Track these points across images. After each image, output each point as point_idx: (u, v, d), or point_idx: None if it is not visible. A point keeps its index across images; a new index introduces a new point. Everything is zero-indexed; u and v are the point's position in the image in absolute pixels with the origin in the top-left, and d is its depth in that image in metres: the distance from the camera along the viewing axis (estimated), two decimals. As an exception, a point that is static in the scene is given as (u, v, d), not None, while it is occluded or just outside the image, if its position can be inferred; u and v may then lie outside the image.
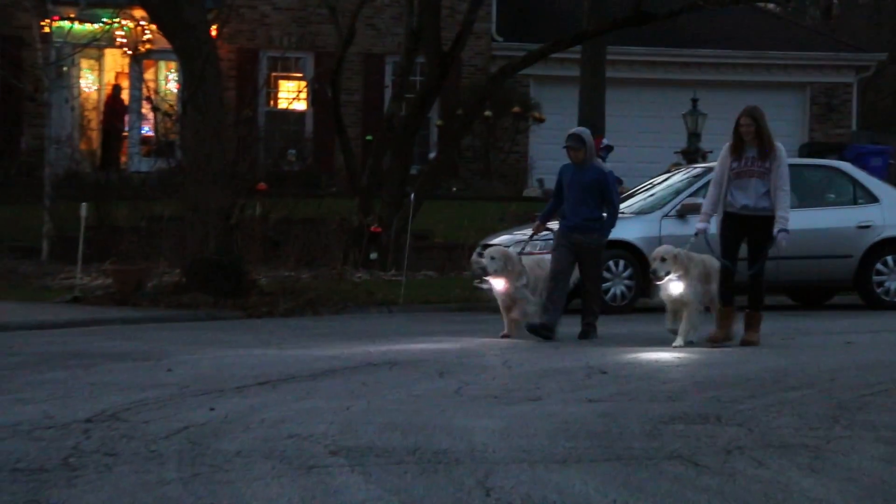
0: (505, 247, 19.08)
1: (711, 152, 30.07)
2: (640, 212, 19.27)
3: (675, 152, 31.86)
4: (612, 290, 18.53)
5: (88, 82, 34.39)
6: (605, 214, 15.11)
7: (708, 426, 9.18)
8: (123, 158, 33.30)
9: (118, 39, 32.14)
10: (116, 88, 33.86)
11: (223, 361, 12.95)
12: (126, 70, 33.87)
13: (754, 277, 13.98)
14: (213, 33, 24.69)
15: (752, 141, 13.75)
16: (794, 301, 20.31)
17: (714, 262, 14.00)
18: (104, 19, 31.02)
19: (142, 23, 30.43)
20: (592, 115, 29.87)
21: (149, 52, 32.17)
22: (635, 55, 34.64)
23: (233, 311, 18.56)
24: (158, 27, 22.24)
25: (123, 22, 31.59)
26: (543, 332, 14.49)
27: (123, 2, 29.45)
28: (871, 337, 15.25)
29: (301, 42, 34.73)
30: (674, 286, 13.76)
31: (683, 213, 18.65)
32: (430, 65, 25.79)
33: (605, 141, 28.17)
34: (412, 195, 22.97)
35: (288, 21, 34.87)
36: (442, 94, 27.78)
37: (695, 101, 32.34)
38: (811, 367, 12.37)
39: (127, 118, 33.82)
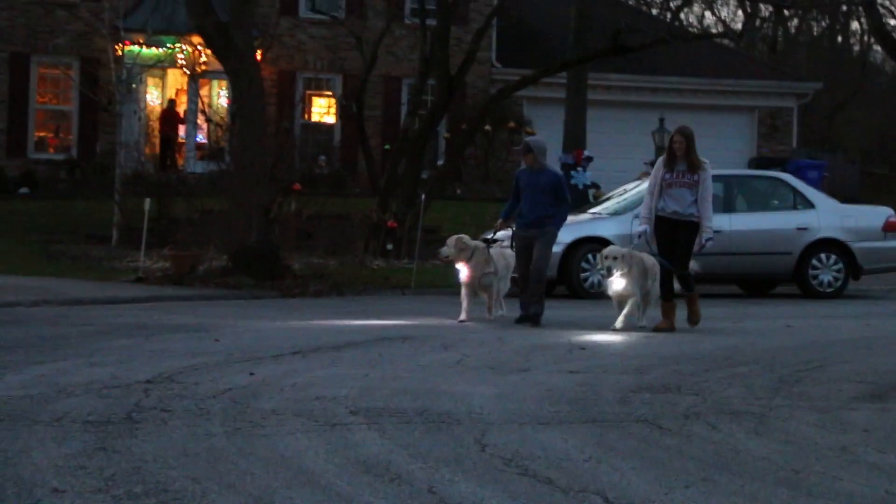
0: (499, 241, 19.13)
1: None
2: (615, 213, 19.24)
3: (645, 163, 31.70)
4: (590, 279, 18.48)
5: (153, 97, 34.38)
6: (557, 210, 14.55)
7: (670, 395, 9.18)
8: (181, 161, 33.27)
9: (179, 61, 32.12)
10: (171, 103, 33.82)
11: (262, 333, 12.94)
12: (185, 87, 33.86)
13: (683, 277, 13.67)
14: (258, 57, 24.69)
15: (683, 156, 13.44)
16: (743, 290, 20.27)
17: (650, 260, 13.68)
18: (168, 44, 31.06)
19: (199, 48, 30.39)
20: (576, 130, 29.88)
21: (204, 72, 32.15)
22: (612, 81, 34.63)
23: (270, 291, 18.54)
24: (213, 52, 22.20)
25: (184, 47, 31.60)
26: (538, 319, 14.11)
27: (184, 29, 29.40)
28: (808, 321, 15.23)
29: (331, 65, 34.73)
30: (618, 282, 13.42)
31: (651, 215, 18.59)
32: (439, 86, 25.77)
33: (586, 152, 28.17)
34: (423, 196, 22.92)
35: (321, 48, 34.86)
36: (449, 111, 27.78)
37: (661, 120, 32.26)
38: (757, 346, 12.38)
39: (184, 128, 33.80)
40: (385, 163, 27.36)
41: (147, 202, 21.03)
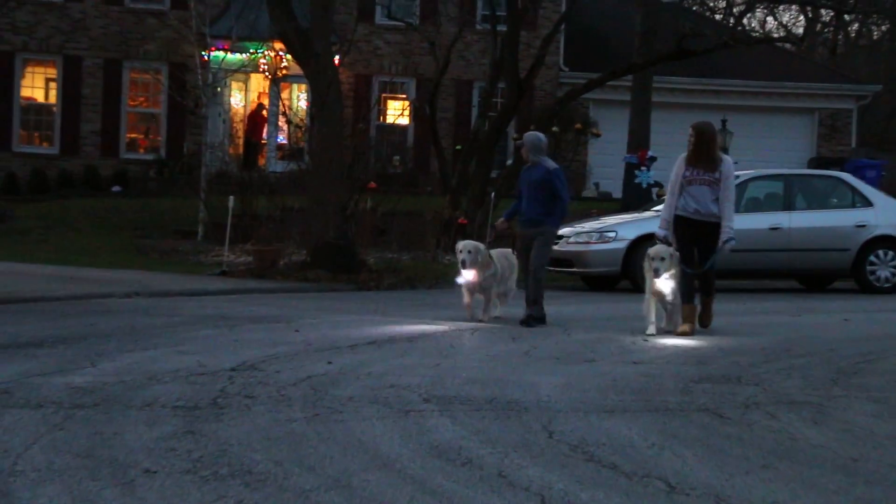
0: (565, 237, 19.11)
1: (738, 163, 29.80)
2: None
3: (706, 163, 31.59)
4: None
5: (237, 100, 34.67)
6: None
7: (730, 385, 9.13)
8: (262, 161, 33.50)
9: (261, 66, 32.34)
10: (259, 106, 34.10)
11: (339, 325, 13.00)
12: (267, 91, 34.08)
13: (705, 274, 12.49)
14: (336, 62, 24.77)
15: (695, 152, 12.40)
16: (802, 285, 20.07)
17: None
18: (251, 50, 31.24)
19: (280, 53, 30.57)
20: (640, 131, 29.71)
21: (285, 76, 32.34)
22: (676, 84, 34.40)
23: (347, 284, 18.61)
24: (293, 57, 22.29)
25: (266, 52, 31.81)
26: (538, 323, 13.06)
27: (266, 36, 29.60)
28: (865, 315, 15.06)
29: (406, 69, 34.79)
30: (665, 284, 12.29)
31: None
32: (509, 89, 25.76)
33: (649, 153, 28.00)
34: (492, 194, 22.93)
35: (396, 53, 34.95)
36: (518, 113, 27.71)
37: (724, 121, 32.04)
38: (815, 338, 12.26)
39: (266, 129, 34.04)
40: (456, 163, 27.35)
41: (231, 200, 21.21)
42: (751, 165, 24.08)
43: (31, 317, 13.45)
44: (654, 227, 18.36)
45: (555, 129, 31.93)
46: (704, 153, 12.34)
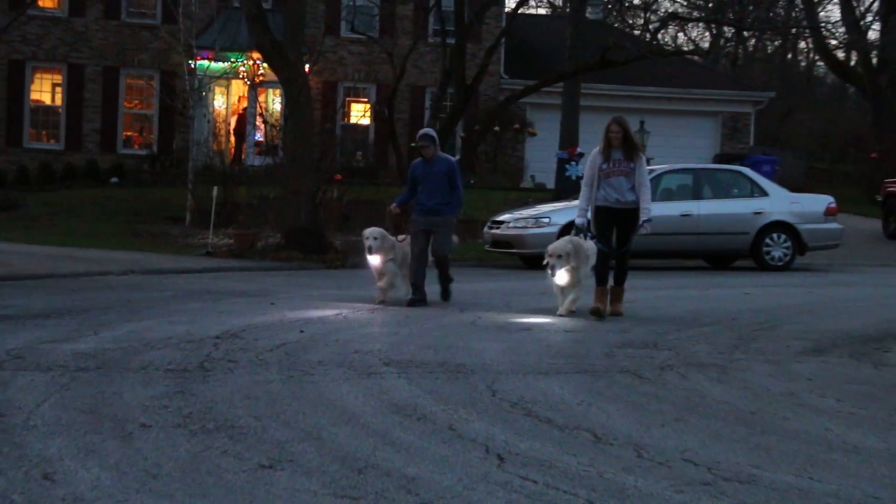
0: (505, 222, 19.12)
1: (653, 158, 29.93)
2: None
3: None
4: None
5: (219, 103, 34.37)
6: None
7: (648, 350, 9.18)
8: (243, 155, 33.28)
9: (241, 73, 32.07)
10: (246, 110, 33.86)
11: (310, 298, 12.95)
12: (245, 94, 33.83)
13: (621, 257, 11.69)
14: (306, 70, 24.63)
15: (619, 145, 11.40)
16: (708, 264, 20.20)
17: (587, 245, 11.54)
18: (232, 59, 30.97)
19: (258, 62, 30.32)
20: (570, 130, 29.73)
21: (262, 82, 32.08)
22: (601, 90, 34.42)
23: (316, 264, 18.53)
24: (269, 65, 22.14)
25: (245, 61, 31.55)
26: (421, 303, 12.34)
27: (245, 47, 29.33)
28: (762, 290, 15.18)
29: (367, 77, 34.64)
30: (561, 277, 11.31)
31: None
32: (456, 94, 25.74)
33: (578, 149, 28.04)
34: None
35: (358, 62, 34.77)
36: (465, 114, 27.70)
37: (642, 122, 32.14)
38: (720, 310, 12.33)
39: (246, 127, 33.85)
40: (411, 158, 27.32)
41: (215, 189, 21.06)
42: (664, 160, 24.22)
43: (41, 291, 13.29)
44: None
45: (496, 128, 31.99)
46: (628, 145, 11.49)
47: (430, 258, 12.81)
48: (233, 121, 34.21)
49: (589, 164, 11.65)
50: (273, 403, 6.79)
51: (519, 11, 30.94)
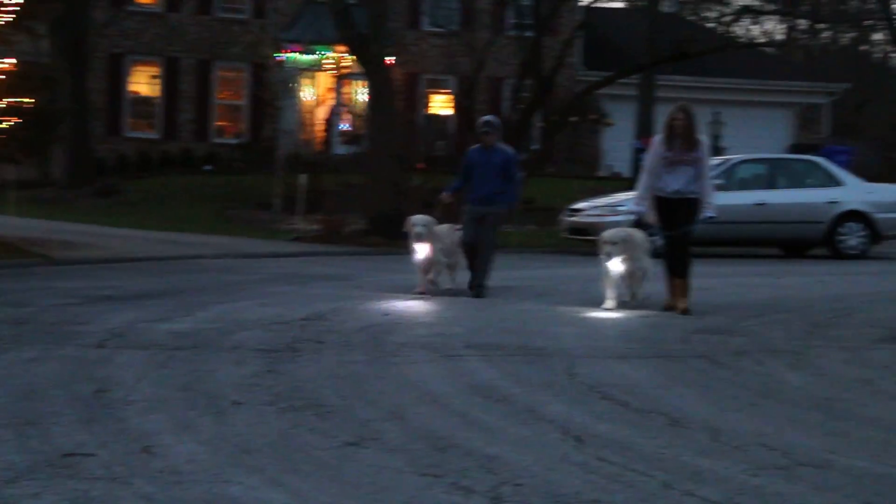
0: (582, 210, 18.99)
1: (727, 149, 29.56)
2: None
3: (701, 148, 31.29)
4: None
5: (307, 94, 34.58)
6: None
7: (723, 336, 9.06)
8: (330, 144, 33.47)
9: (327, 65, 32.27)
10: (334, 101, 34.08)
11: (394, 282, 13.00)
12: (332, 86, 34.00)
13: (682, 247, 10.54)
14: (390, 62, 24.71)
15: (682, 133, 10.44)
16: (783, 252, 19.86)
17: (639, 236, 10.88)
18: (319, 52, 31.19)
19: (343, 55, 30.46)
20: (646, 121, 29.49)
21: (347, 74, 32.24)
22: (676, 81, 33.89)
23: (400, 249, 18.47)
24: (354, 58, 22.25)
25: (331, 54, 31.74)
26: (483, 292, 11.53)
27: (331, 40, 29.49)
28: (837, 278, 14.90)
29: (448, 68, 34.56)
30: (616, 265, 10.54)
31: (706, 191, 18.32)
32: (534, 86, 25.58)
33: (653, 139, 27.75)
34: (520, 174, 22.79)
35: (439, 54, 34.72)
36: (542, 105, 27.52)
37: (716, 114, 31.75)
38: (795, 297, 12.13)
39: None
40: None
41: (302, 177, 21.22)
42: (738, 151, 23.85)
43: (140, 273, 13.54)
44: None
45: (573, 119, 31.79)
46: (691, 133, 10.48)
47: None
48: (320, 111, 34.43)
49: (652, 151, 10.75)
50: (358, 383, 6.82)
51: (596, 4, 30.69)
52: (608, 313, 10.32)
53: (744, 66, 34.89)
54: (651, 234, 11.02)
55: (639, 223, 11.80)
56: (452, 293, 11.79)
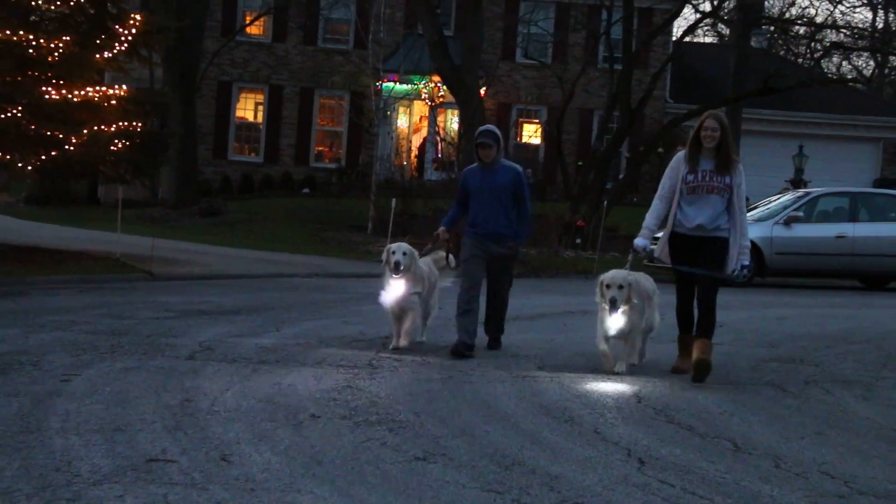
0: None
1: (811, 181, 29.02)
2: (759, 219, 18.58)
3: (785, 181, 30.76)
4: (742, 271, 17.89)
5: (402, 122, 34.89)
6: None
7: (794, 365, 8.87)
8: (423, 171, 33.68)
9: (423, 95, 32.52)
10: (428, 129, 34.33)
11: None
12: (426, 114, 34.25)
13: (707, 297, 7.91)
14: (482, 92, 24.81)
15: (711, 151, 7.88)
16: (862, 284, 19.39)
17: (648, 283, 8.36)
18: (415, 82, 31.46)
19: (438, 85, 30.68)
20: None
21: (441, 103, 32.46)
22: (761, 115, 33.55)
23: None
24: (448, 88, 22.40)
25: (427, 84, 31.98)
26: (468, 352, 8.62)
27: (427, 71, 29.76)
28: (916, 311, 14.51)
29: (538, 99, 34.63)
30: (616, 321, 7.92)
31: (789, 222, 18.02)
32: (622, 117, 25.44)
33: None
34: (606, 202, 22.67)
35: (531, 85, 34.78)
36: (629, 136, 27.38)
37: (801, 147, 31.22)
38: (870, 329, 11.82)
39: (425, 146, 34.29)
40: (577, 175, 27.17)
41: (394, 201, 21.37)
42: (822, 185, 23.43)
43: (234, 290, 13.75)
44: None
45: (660, 150, 31.50)
46: (724, 152, 7.93)
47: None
48: (414, 138, 34.69)
49: (668, 171, 8.17)
50: (432, 401, 6.84)
51: (685, 39, 30.44)
52: (613, 382, 7.67)
53: (831, 101, 34.27)
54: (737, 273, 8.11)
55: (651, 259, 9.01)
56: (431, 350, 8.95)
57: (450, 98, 26.87)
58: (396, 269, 8.70)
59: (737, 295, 15.40)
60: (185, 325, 9.98)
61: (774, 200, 19.82)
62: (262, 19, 34.51)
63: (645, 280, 8.20)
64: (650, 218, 8.16)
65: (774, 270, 17.95)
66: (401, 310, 8.84)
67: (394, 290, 8.76)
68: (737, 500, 4.89)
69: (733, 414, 6.78)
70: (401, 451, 5.52)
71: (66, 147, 15.25)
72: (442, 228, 9.29)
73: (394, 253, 8.80)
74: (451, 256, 9.48)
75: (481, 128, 9.38)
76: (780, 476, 5.34)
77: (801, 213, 18.20)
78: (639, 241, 8.14)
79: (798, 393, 7.60)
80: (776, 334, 10.95)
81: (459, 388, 7.27)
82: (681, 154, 8.07)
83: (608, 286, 7.90)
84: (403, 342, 8.78)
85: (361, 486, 4.89)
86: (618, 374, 7.81)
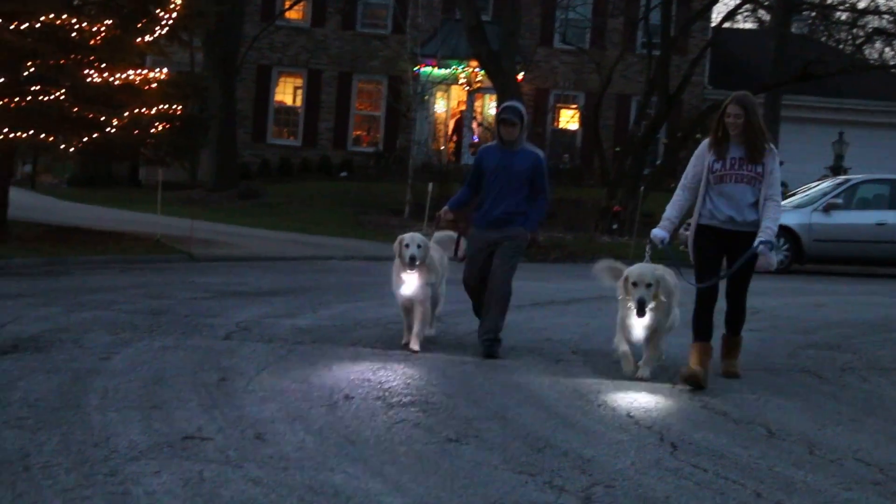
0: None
1: (851, 168, 28.69)
2: (798, 206, 18.42)
3: (825, 167, 30.44)
4: (775, 259, 17.70)
5: (440, 106, 34.85)
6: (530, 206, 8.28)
7: (831, 352, 8.80)
8: (459, 155, 33.68)
9: (460, 80, 32.46)
10: (465, 113, 34.31)
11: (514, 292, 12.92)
12: (464, 99, 34.19)
13: (738, 294, 7.49)
14: (520, 78, 24.74)
15: (738, 137, 7.24)
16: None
17: (672, 278, 7.41)
18: (452, 66, 31.41)
19: (475, 70, 30.62)
20: (771, 140, 28.80)
21: (478, 88, 32.41)
22: (801, 101, 33.21)
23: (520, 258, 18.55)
24: (485, 73, 22.33)
25: (464, 69, 31.92)
26: (495, 348, 7.90)
27: (464, 55, 29.72)
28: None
29: (576, 85, 34.46)
30: (643, 320, 7.14)
31: (828, 209, 17.84)
32: (660, 103, 25.27)
33: (778, 158, 27.14)
34: (643, 188, 22.55)
35: (569, 71, 34.61)
36: (667, 122, 27.21)
37: (841, 133, 30.87)
38: (910, 317, 11.70)
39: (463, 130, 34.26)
40: (615, 161, 27.04)
41: (431, 186, 21.37)
42: (863, 172, 23.12)
43: (271, 272, 13.82)
44: (783, 219, 17.46)
45: (698, 136, 31.24)
46: (752, 138, 7.24)
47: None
48: (451, 123, 34.67)
49: (694, 160, 7.55)
50: (465, 383, 6.84)
51: (725, 25, 30.17)
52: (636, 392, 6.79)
53: (872, 87, 33.83)
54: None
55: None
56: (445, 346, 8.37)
57: (487, 83, 26.82)
58: (412, 263, 7.97)
59: (774, 282, 15.24)
60: (223, 305, 10.04)
61: (814, 187, 19.63)
62: (301, 4, 34.56)
63: (669, 275, 7.35)
64: (671, 209, 7.53)
65: (813, 257, 17.79)
66: (413, 302, 8.09)
67: (409, 283, 8.04)
68: (770, 486, 4.85)
69: (768, 400, 6.73)
70: (434, 433, 5.52)
71: (108, 129, 15.37)
72: (445, 209, 8.60)
73: (407, 246, 8.05)
74: (461, 243, 8.70)
75: (505, 103, 8.52)
76: (814, 462, 5.30)
77: (840, 201, 18.01)
78: (657, 233, 7.39)
79: (834, 380, 7.53)
80: (813, 321, 10.85)
81: (493, 371, 7.27)
82: (707, 141, 7.45)
83: (635, 284, 7.07)
84: (415, 342, 7.96)
85: (394, 466, 4.90)
86: (641, 379, 7.06)
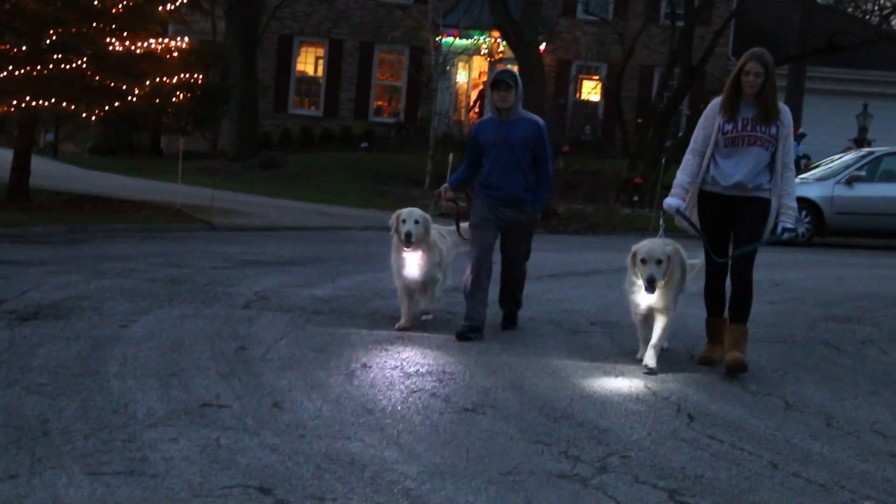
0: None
1: (875, 141, 28.43)
2: (820, 178, 18.29)
3: (848, 139, 30.18)
4: (799, 231, 17.66)
5: (461, 77, 34.72)
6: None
7: (850, 325, 8.75)
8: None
9: (482, 50, 32.32)
10: (487, 84, 34.16)
11: (531, 261, 12.91)
12: (485, 70, 34.04)
13: (741, 274, 6.74)
14: (542, 48, 24.59)
15: (753, 97, 6.62)
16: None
17: (683, 253, 7.02)
18: (474, 37, 31.27)
19: (497, 40, 30.45)
20: (793, 112, 28.51)
21: (500, 58, 32.22)
22: (825, 73, 32.90)
23: (539, 229, 18.41)
24: (507, 43, 22.23)
25: (486, 39, 31.77)
26: (476, 335, 7.33)
27: (487, 26, 29.55)
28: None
29: (599, 55, 34.21)
30: (646, 298, 6.65)
31: (850, 182, 17.69)
32: (682, 74, 25.08)
33: (801, 130, 26.94)
34: (664, 159, 22.41)
35: (591, 41, 34.39)
36: (690, 93, 26.99)
37: (865, 105, 30.58)
38: (931, 290, 11.60)
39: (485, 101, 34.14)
40: (636, 133, 26.90)
41: (451, 156, 21.32)
42: (888, 144, 22.90)
43: (291, 241, 13.84)
44: (805, 192, 17.37)
45: (720, 107, 31.06)
46: (767, 98, 6.65)
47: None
48: (473, 94, 34.55)
49: (702, 121, 6.86)
50: (482, 353, 6.84)
51: (749, -5, 29.90)
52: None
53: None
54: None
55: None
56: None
57: (509, 54, 26.64)
58: (408, 240, 7.42)
59: (795, 254, 15.17)
60: (242, 274, 10.07)
61: (837, 159, 19.48)
62: (323, -27, 34.46)
63: (680, 251, 6.89)
64: (682, 175, 6.84)
65: (835, 230, 17.67)
66: (416, 284, 7.60)
67: (411, 264, 7.54)
68: (786, 457, 4.84)
69: (786, 372, 6.71)
70: (450, 402, 5.53)
71: (129, 98, 15.38)
72: (445, 185, 8.12)
73: (404, 221, 7.51)
74: (461, 224, 8.21)
75: (500, 69, 7.98)
76: (830, 434, 5.28)
77: (863, 173, 17.87)
78: (671, 201, 6.78)
79: (853, 352, 7.49)
80: (833, 294, 10.78)
81: (510, 341, 7.27)
82: (716, 101, 6.80)
83: (644, 261, 6.56)
84: (407, 322, 7.51)
85: (410, 434, 4.92)
86: (647, 368, 6.45)
